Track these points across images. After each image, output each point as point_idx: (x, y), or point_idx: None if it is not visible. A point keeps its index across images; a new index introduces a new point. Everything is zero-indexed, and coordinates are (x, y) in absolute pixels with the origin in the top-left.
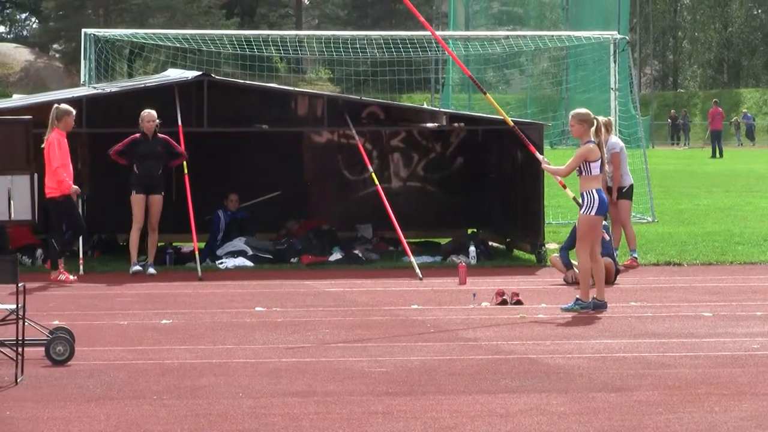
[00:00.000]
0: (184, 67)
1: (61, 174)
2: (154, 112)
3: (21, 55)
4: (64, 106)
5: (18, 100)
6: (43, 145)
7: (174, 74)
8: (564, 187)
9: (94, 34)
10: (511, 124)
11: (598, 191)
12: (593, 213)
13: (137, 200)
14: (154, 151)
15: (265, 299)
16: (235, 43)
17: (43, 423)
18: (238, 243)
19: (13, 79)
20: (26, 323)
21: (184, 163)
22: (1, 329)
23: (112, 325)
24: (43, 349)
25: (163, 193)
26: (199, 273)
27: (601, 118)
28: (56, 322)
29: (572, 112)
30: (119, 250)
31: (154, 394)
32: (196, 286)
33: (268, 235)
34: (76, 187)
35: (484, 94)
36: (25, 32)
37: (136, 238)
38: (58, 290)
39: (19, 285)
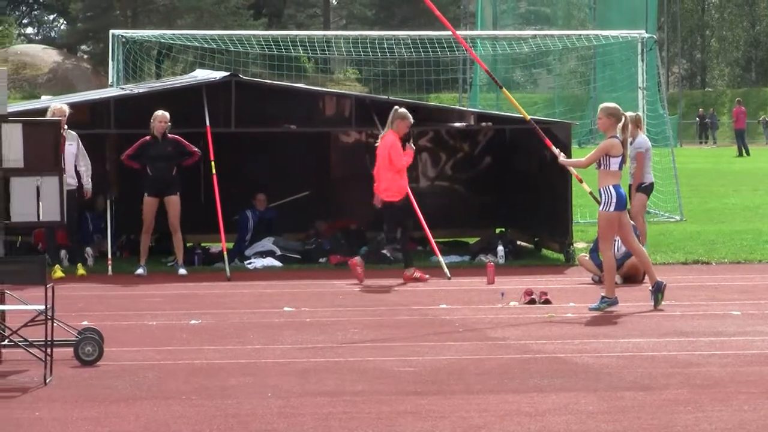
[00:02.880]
0: (212, 68)
1: (405, 177)
2: (166, 114)
3: (49, 56)
4: (402, 110)
5: (46, 101)
6: (377, 143)
7: (202, 75)
8: (581, 181)
9: (121, 35)
10: (528, 118)
11: (615, 187)
12: (611, 209)
13: (148, 203)
14: (165, 153)
15: (294, 299)
16: (263, 43)
17: (72, 424)
18: (267, 243)
19: (41, 80)
20: (55, 324)
21: (212, 163)
22: (30, 330)
23: (140, 325)
24: (72, 349)
25: (178, 193)
26: (228, 273)
27: (630, 114)
28: (85, 323)
29: (601, 105)
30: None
31: (183, 395)
32: (225, 287)
33: (296, 235)
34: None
35: (501, 87)
36: (53, 34)
37: (145, 241)
38: (87, 291)
39: (48, 285)
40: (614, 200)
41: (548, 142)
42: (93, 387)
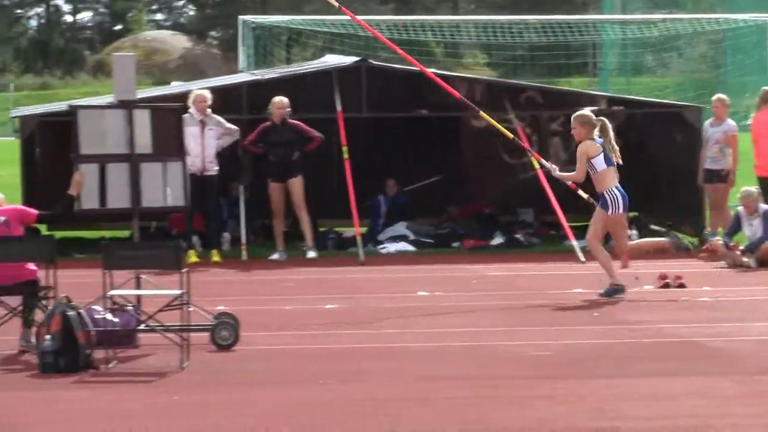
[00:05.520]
0: (341, 53)
1: None
2: (284, 99)
3: (179, 42)
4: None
5: (177, 87)
6: (749, 121)
7: (332, 60)
8: (576, 189)
9: (251, 21)
10: (511, 137)
11: (617, 188)
12: (620, 211)
13: (274, 189)
14: (285, 138)
15: (428, 284)
16: (392, 28)
17: (209, 407)
18: (400, 228)
19: (171, 66)
20: (191, 309)
21: (344, 148)
22: (167, 315)
23: (276, 310)
24: (208, 334)
25: (300, 175)
26: (362, 257)
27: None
28: (220, 308)
29: (574, 115)
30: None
31: (318, 379)
32: (359, 271)
33: (429, 220)
34: None
35: (478, 111)
36: (182, 19)
37: (278, 226)
38: (221, 276)
39: (183, 270)
40: (620, 201)
41: (536, 155)
42: (229, 372)
